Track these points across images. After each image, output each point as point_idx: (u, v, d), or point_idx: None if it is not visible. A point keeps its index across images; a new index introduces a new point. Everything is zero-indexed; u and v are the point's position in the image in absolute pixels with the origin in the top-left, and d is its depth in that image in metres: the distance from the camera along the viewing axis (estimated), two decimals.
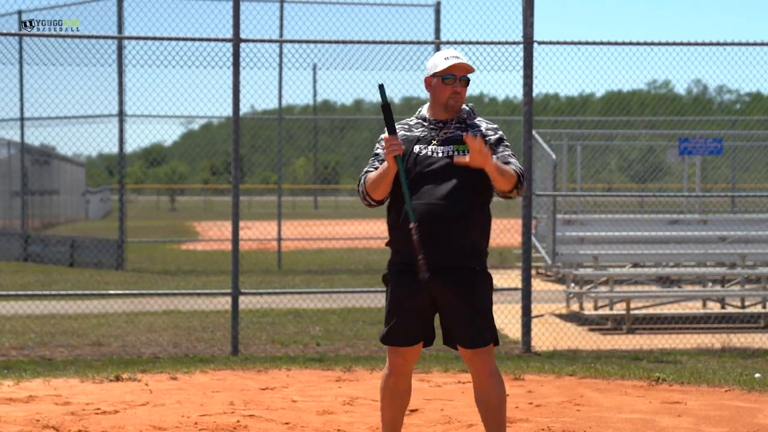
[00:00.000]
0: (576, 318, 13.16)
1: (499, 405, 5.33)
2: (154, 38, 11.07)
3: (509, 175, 5.25)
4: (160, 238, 28.10)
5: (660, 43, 11.34)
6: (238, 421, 6.99)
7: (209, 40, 11.27)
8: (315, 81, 40.91)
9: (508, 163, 5.33)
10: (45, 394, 7.92)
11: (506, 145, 5.44)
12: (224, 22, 23.72)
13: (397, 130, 5.44)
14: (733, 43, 11.47)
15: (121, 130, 19.49)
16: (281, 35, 20.51)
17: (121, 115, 19.51)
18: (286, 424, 6.98)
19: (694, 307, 13.78)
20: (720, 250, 13.62)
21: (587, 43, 11.32)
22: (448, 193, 5.26)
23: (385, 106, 5.29)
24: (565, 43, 11.31)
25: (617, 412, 7.33)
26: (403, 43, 12.64)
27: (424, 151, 5.35)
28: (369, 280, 17.75)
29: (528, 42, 10.90)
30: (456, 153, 5.31)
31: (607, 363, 9.72)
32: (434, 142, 5.37)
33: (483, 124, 5.47)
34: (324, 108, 48.85)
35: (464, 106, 5.51)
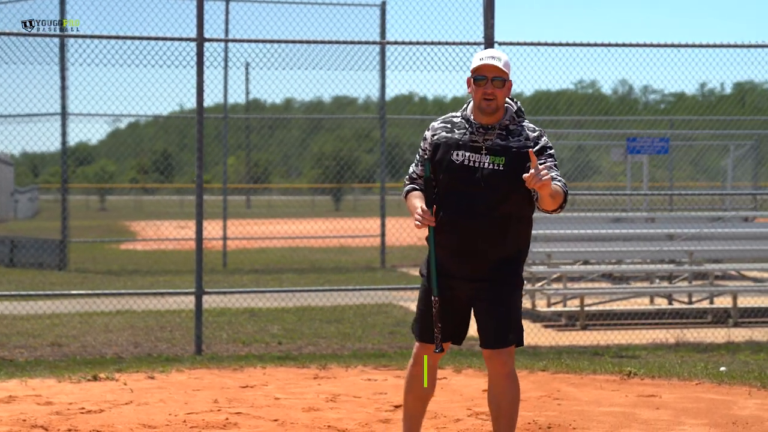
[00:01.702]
0: (529, 315, 13.34)
1: (513, 407, 5.35)
2: (119, 37, 11.01)
3: (558, 197, 5.14)
4: (97, 237, 27.83)
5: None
6: (227, 419, 7.03)
7: (172, 39, 11.24)
8: (247, 80, 40.80)
9: (553, 179, 5.14)
10: (24, 394, 7.87)
11: (550, 155, 5.29)
12: (152, 21, 23.52)
13: (439, 129, 5.40)
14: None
15: (64, 129, 19.28)
16: (226, 35, 20.46)
17: (64, 113, 19.29)
18: (275, 421, 7.04)
19: (643, 304, 14.09)
20: (670, 248, 13.93)
21: (546, 44, 11.49)
22: (485, 206, 5.23)
23: (429, 179, 5.30)
24: (525, 44, 11.49)
25: (597, 405, 7.51)
26: (360, 43, 12.72)
27: (461, 159, 5.28)
28: (317, 279, 17.82)
29: (489, 43, 11.04)
30: (492, 165, 5.24)
31: (575, 358, 9.92)
32: (473, 150, 5.28)
33: (526, 131, 5.33)
34: (254, 107, 48.68)
35: (511, 105, 5.39)
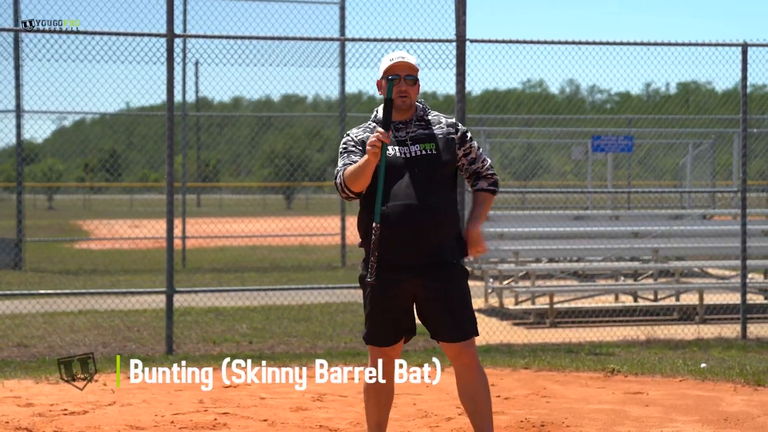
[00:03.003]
0: (497, 313, 13.34)
1: (487, 399, 5.42)
2: (87, 33, 10.82)
3: (489, 204, 5.60)
4: (50, 237, 27.41)
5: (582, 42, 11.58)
6: (216, 419, 6.92)
7: (141, 35, 11.07)
8: (197, 77, 40.47)
9: (479, 173, 5.54)
10: (3, 396, 7.70)
11: (471, 139, 5.53)
12: (111, 15, 23.18)
13: (359, 133, 5.49)
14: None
15: (19, 126, 18.93)
16: (184, 31, 20.23)
17: (18, 110, 18.95)
18: (265, 421, 6.94)
19: (608, 301, 14.15)
20: (639, 245, 14.00)
21: (519, 41, 11.47)
22: (423, 192, 5.32)
23: (389, 100, 5.32)
24: (498, 41, 11.45)
25: (585, 403, 7.49)
26: (326, 39, 12.62)
27: (391, 153, 5.36)
28: (279, 278, 17.70)
29: (461, 40, 11.00)
30: (423, 151, 5.37)
31: (553, 356, 9.91)
32: (399, 143, 5.39)
33: (442, 119, 5.52)
34: (202, 105, 48.29)
35: (417, 103, 5.54)
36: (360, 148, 5.43)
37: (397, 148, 5.38)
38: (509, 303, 13.67)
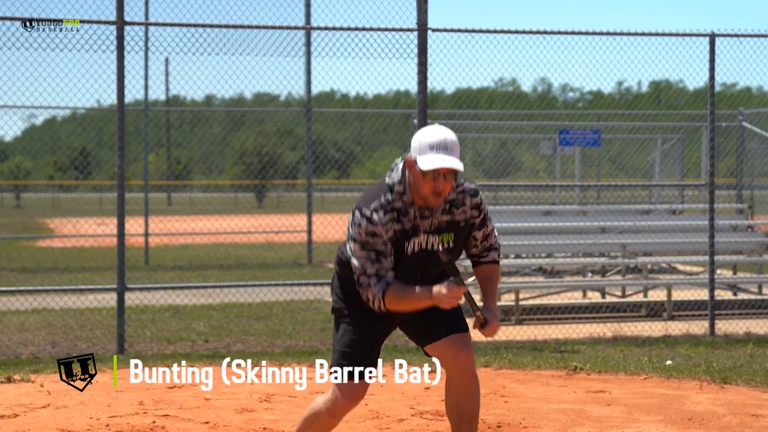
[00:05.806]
0: (462, 310, 13.01)
1: (477, 413, 5.00)
2: (29, 20, 10.42)
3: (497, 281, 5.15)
4: (9, 234, 26.91)
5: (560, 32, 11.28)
6: (154, 422, 6.57)
7: (90, 22, 10.67)
8: (167, 73, 40.02)
9: (490, 245, 5.02)
10: None
11: (488, 214, 4.95)
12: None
13: (388, 222, 4.74)
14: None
15: None
16: (146, 19, 19.78)
17: None
18: (206, 423, 6.59)
19: (575, 298, 13.86)
20: (606, 240, 13.70)
21: (482, 31, 11.16)
22: (438, 277, 4.85)
23: (450, 262, 4.68)
24: (460, 30, 11.13)
25: (545, 402, 7.17)
26: (289, 28, 12.28)
27: (412, 247, 4.81)
28: (243, 275, 17.33)
29: (422, 29, 10.67)
30: (441, 244, 4.81)
31: (516, 354, 9.61)
32: (423, 232, 4.80)
33: (467, 197, 4.84)
34: (174, 103, 47.81)
35: None
36: (391, 244, 4.81)
37: (418, 240, 4.80)
38: (475, 300, 13.34)
